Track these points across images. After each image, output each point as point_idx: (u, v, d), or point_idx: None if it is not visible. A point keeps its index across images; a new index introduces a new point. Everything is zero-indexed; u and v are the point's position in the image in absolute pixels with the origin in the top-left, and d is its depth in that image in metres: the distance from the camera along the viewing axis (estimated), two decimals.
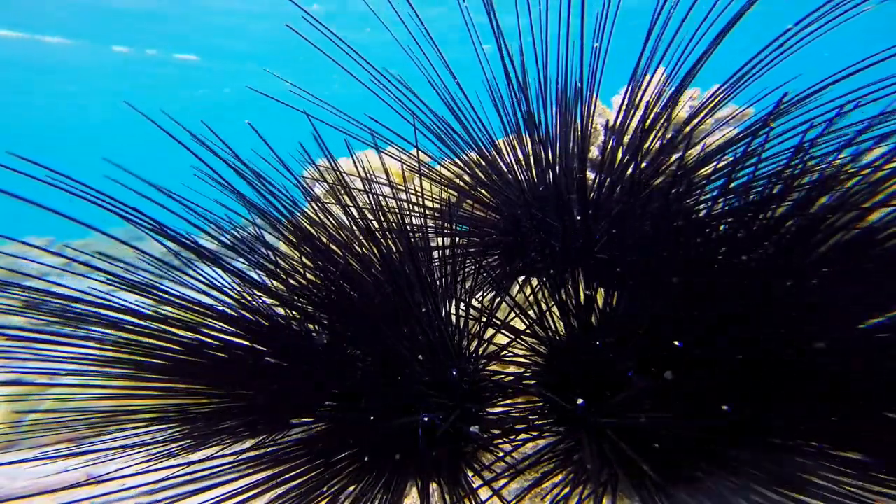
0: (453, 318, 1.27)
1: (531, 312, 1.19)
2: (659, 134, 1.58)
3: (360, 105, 1.59)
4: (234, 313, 1.16)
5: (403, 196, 1.74)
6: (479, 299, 1.68)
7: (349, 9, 11.65)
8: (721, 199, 1.06)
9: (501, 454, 1.18)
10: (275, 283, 1.21)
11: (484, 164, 1.77)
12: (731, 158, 1.31)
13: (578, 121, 1.66)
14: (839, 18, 1.24)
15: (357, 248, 1.24)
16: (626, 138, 1.60)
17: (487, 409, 1.20)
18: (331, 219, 1.30)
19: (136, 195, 1.02)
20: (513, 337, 1.21)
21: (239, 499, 1.02)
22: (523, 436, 1.14)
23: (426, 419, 1.06)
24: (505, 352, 1.23)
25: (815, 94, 1.22)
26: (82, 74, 15.12)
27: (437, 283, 1.34)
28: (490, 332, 1.26)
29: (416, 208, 1.66)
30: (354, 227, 1.27)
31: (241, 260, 1.24)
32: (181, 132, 1.14)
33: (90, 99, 17.33)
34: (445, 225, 1.48)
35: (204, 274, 1.16)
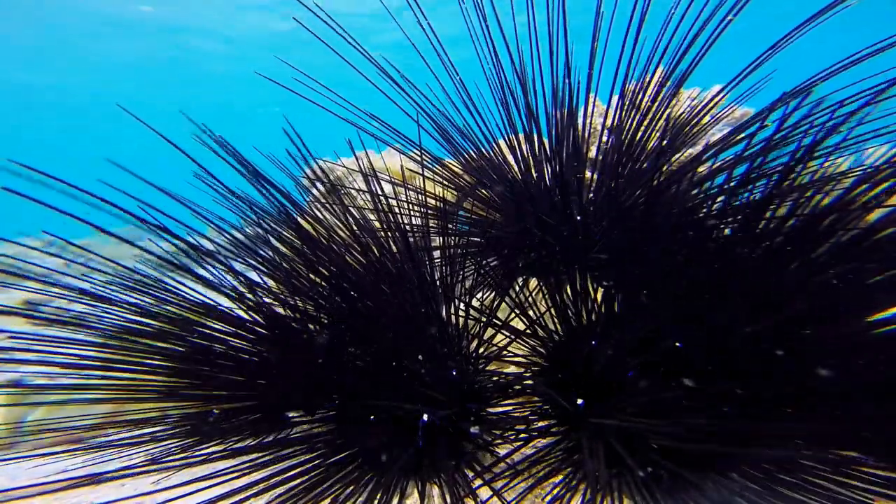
0: (453, 318, 1.27)
1: (531, 312, 1.19)
2: (656, 134, 1.58)
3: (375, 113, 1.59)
4: (233, 314, 1.16)
5: (404, 196, 1.74)
6: (480, 299, 1.68)
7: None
8: (721, 198, 1.06)
9: (501, 454, 1.18)
10: (275, 283, 1.21)
11: (484, 163, 1.77)
12: (732, 157, 1.31)
13: (572, 120, 1.66)
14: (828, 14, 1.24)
15: (357, 248, 1.23)
16: (625, 138, 1.60)
17: (488, 409, 1.20)
18: (331, 219, 1.30)
19: (141, 194, 1.02)
20: (513, 337, 1.21)
21: (238, 497, 1.02)
22: (523, 436, 1.14)
23: (426, 419, 1.06)
24: (505, 352, 1.23)
25: (810, 87, 1.22)
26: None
27: (437, 282, 1.34)
28: (490, 332, 1.26)
29: (416, 208, 1.66)
30: (354, 227, 1.27)
31: (241, 260, 1.24)
32: (186, 130, 1.14)
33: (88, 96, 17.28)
34: (446, 224, 1.48)
35: (204, 275, 1.16)
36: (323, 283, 1.17)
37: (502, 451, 1.20)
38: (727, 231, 1.05)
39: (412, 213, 1.67)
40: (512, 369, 1.31)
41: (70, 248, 1.00)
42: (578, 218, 1.52)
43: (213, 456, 1.17)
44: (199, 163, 1.13)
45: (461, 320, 1.28)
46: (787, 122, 0.99)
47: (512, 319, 1.22)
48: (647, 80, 1.56)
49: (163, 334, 1.13)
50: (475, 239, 1.78)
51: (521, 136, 1.68)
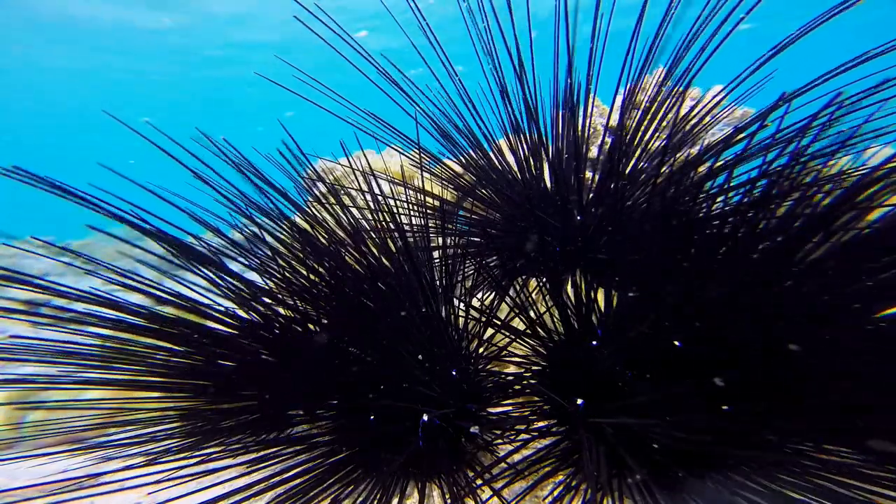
0: (453, 318, 1.27)
1: (531, 312, 1.19)
2: (658, 134, 1.58)
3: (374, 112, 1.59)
4: (233, 314, 1.16)
5: (403, 195, 1.74)
6: (480, 299, 1.68)
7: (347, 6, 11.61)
8: (721, 198, 1.06)
9: (501, 454, 1.18)
10: (274, 283, 1.21)
11: (484, 163, 1.77)
12: (732, 157, 1.31)
13: (572, 120, 1.66)
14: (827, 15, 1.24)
15: (356, 249, 1.23)
16: (626, 137, 1.60)
17: (488, 409, 1.20)
18: (330, 219, 1.30)
19: (141, 194, 1.02)
20: (513, 337, 1.21)
21: (238, 497, 1.02)
22: (523, 436, 1.14)
23: (426, 419, 1.06)
24: (505, 352, 1.23)
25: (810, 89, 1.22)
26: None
27: (437, 282, 1.34)
28: (490, 331, 1.26)
29: (416, 207, 1.66)
30: (355, 227, 1.27)
31: (241, 260, 1.24)
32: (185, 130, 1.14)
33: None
34: (446, 224, 1.48)
35: (205, 275, 1.16)
36: (322, 283, 1.17)
37: (502, 451, 1.20)
38: (727, 231, 1.05)
39: (412, 212, 1.67)
40: (512, 369, 1.31)
41: (66, 251, 1.00)
42: (579, 218, 1.52)
43: (214, 456, 1.17)
44: (200, 162, 1.13)
45: (461, 320, 1.27)
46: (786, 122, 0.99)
47: (512, 319, 1.22)
48: (649, 80, 1.56)
49: (162, 335, 1.13)
50: (475, 239, 1.78)
51: (522, 135, 1.68)
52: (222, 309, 1.16)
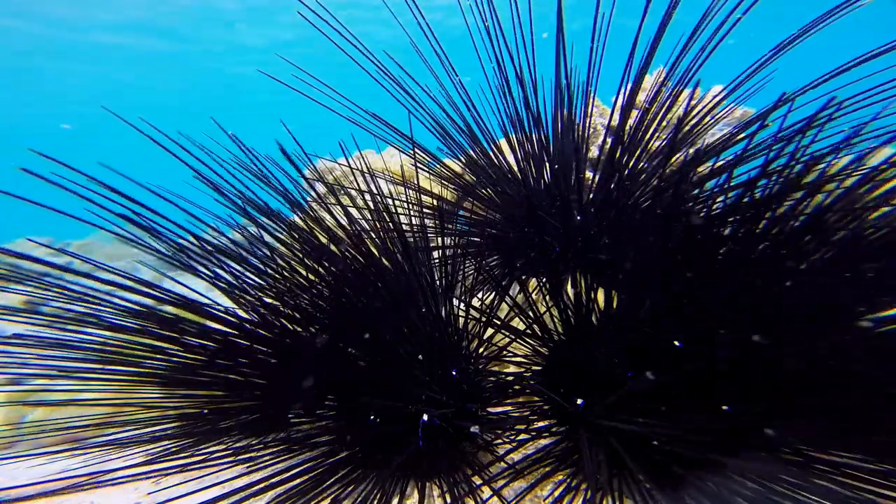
0: (453, 318, 1.27)
1: (531, 312, 1.19)
2: (657, 134, 1.58)
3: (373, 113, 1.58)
4: (233, 314, 1.16)
5: (403, 195, 1.74)
6: (480, 299, 1.68)
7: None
8: (721, 198, 1.06)
9: (501, 454, 1.18)
10: (275, 283, 1.21)
11: (484, 163, 1.77)
12: (732, 157, 1.31)
13: (572, 120, 1.66)
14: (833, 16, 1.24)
15: (355, 249, 1.23)
16: (626, 137, 1.60)
17: (488, 409, 1.20)
18: (330, 219, 1.30)
19: (140, 194, 1.01)
20: (513, 337, 1.21)
21: (238, 497, 1.01)
22: (523, 436, 1.14)
23: (426, 419, 1.06)
24: (505, 352, 1.23)
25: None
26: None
27: (437, 283, 1.34)
28: (490, 331, 1.26)
29: (416, 207, 1.66)
30: (355, 227, 1.27)
31: (241, 261, 1.24)
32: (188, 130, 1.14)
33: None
34: (446, 224, 1.48)
35: (204, 274, 1.16)
36: (322, 283, 1.17)
37: (502, 450, 1.20)
38: (727, 231, 1.05)
39: (412, 212, 1.67)
40: (512, 369, 1.31)
41: (64, 252, 0.99)
42: (579, 218, 1.51)
43: (214, 456, 1.17)
44: (200, 161, 1.13)
45: (461, 320, 1.27)
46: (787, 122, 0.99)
47: (512, 319, 1.22)
48: (650, 80, 1.56)
49: (161, 335, 1.13)
50: (475, 239, 1.78)
51: (522, 135, 1.68)
52: (222, 309, 1.16)
